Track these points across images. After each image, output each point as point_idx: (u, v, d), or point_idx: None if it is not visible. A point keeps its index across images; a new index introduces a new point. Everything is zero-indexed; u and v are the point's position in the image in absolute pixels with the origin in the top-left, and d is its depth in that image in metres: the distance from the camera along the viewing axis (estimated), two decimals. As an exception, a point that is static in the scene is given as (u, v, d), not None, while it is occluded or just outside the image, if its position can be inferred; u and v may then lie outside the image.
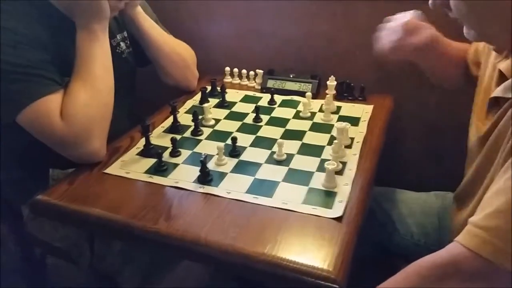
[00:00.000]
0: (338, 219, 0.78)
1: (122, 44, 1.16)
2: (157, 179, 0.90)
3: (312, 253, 0.71)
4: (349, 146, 0.99)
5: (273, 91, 1.23)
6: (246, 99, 1.26)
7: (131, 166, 0.95)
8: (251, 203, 0.83)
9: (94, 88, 0.93)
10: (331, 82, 1.16)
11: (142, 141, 1.01)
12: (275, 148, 0.98)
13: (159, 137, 1.07)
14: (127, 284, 1.09)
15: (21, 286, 1.40)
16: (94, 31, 0.95)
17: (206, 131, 1.08)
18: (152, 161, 0.96)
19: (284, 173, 0.91)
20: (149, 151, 0.98)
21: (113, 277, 1.11)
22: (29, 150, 1.03)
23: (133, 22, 1.12)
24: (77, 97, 0.92)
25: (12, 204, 1.19)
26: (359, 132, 1.05)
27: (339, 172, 0.90)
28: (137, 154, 0.99)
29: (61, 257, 1.19)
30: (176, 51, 1.22)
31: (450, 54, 1.00)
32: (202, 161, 0.88)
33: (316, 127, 1.09)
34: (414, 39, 0.95)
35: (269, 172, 0.92)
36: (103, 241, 1.04)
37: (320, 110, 1.17)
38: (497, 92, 0.78)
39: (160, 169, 0.93)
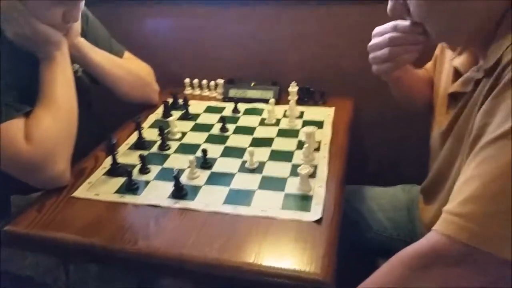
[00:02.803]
0: (318, 221, 0.79)
1: (76, 63, 1.12)
2: (129, 198, 0.88)
3: (298, 258, 0.72)
4: (317, 149, 1.02)
5: (236, 100, 1.24)
6: (209, 110, 1.26)
7: (100, 188, 0.91)
8: (231, 214, 0.82)
9: (57, 112, 0.92)
10: (293, 88, 1.18)
11: (108, 160, 0.99)
12: (246, 156, 0.99)
13: (125, 154, 1.04)
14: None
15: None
16: (54, 57, 0.96)
17: (174, 145, 1.07)
18: (121, 180, 0.93)
19: (259, 181, 0.92)
20: (117, 170, 0.95)
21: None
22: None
23: (78, 53, 1.07)
24: (41, 121, 0.91)
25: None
26: (325, 135, 1.08)
27: (312, 175, 0.92)
28: (104, 174, 0.96)
29: (37, 285, 1.12)
30: (131, 73, 1.19)
31: (417, 73, 1.01)
32: (175, 176, 0.86)
33: (283, 133, 1.11)
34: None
35: (243, 181, 0.92)
36: (78, 264, 0.99)
37: (284, 116, 1.19)
38: (454, 87, 0.82)
39: (131, 187, 0.90)
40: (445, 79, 0.90)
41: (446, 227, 0.63)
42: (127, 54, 1.27)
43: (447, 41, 0.80)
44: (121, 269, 0.91)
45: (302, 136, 1.06)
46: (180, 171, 0.94)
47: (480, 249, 0.59)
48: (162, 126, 1.05)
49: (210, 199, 0.86)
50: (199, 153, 1.00)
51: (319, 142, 1.04)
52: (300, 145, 1.04)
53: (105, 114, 1.26)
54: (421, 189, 0.97)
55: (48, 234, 0.79)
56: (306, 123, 1.14)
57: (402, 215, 1.07)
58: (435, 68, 0.99)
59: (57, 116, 0.92)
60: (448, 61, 0.89)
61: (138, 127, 1.06)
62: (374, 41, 0.87)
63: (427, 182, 0.94)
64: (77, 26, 1.05)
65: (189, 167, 0.94)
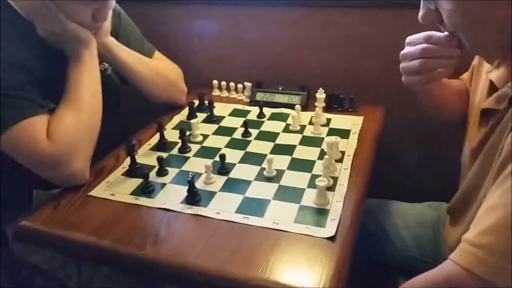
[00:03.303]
0: (331, 238, 0.75)
1: (105, 62, 1.13)
2: (143, 201, 0.87)
3: (305, 275, 0.68)
4: (340, 160, 0.98)
5: (262, 104, 1.21)
6: (234, 113, 1.24)
7: (117, 188, 0.92)
8: (241, 223, 0.80)
9: (80, 111, 0.93)
10: (320, 95, 1.15)
11: (128, 160, 0.99)
12: (265, 164, 0.96)
13: (146, 155, 1.04)
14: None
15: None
16: (81, 56, 0.97)
17: (194, 148, 1.06)
18: (138, 181, 0.93)
19: (275, 191, 0.89)
20: (135, 171, 0.95)
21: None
22: (12, 171, 1.01)
23: (107, 53, 1.07)
24: (63, 119, 0.92)
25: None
26: (349, 146, 1.03)
27: (331, 188, 0.88)
28: (122, 174, 0.96)
29: (48, 279, 1.15)
30: (159, 73, 1.19)
31: (451, 84, 0.95)
32: (189, 181, 0.85)
33: (306, 141, 1.08)
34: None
35: (259, 190, 0.89)
36: (91, 264, 1.01)
37: (310, 123, 1.15)
38: (488, 103, 0.77)
39: (147, 190, 0.90)
40: (480, 92, 0.84)
41: (464, 258, 0.58)
42: (157, 54, 1.27)
43: (480, 53, 0.74)
44: (128, 273, 0.91)
45: (325, 146, 1.02)
46: (197, 175, 0.93)
47: (496, 284, 0.54)
48: (183, 128, 1.04)
49: (223, 207, 0.85)
50: (218, 158, 0.98)
51: (343, 153, 1.00)
52: (322, 154, 1.00)
53: (133, 114, 1.28)
54: (448, 208, 0.91)
55: (61, 232, 0.80)
56: (331, 132, 1.10)
57: (427, 233, 1.01)
58: (471, 80, 0.92)
59: (80, 115, 0.93)
60: (485, 73, 0.82)
61: (160, 128, 1.06)
62: (406, 50, 0.82)
63: (454, 202, 0.88)
64: (107, 25, 1.06)
65: (205, 172, 0.93)
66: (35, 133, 0.88)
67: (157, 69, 1.20)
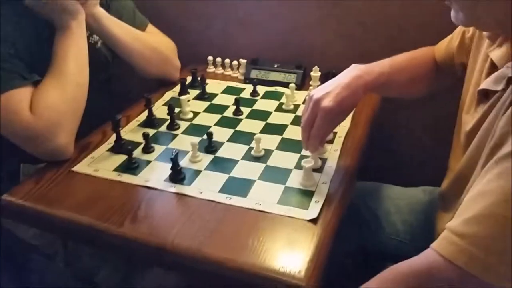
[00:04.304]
0: (313, 220, 0.73)
1: (94, 34, 1.10)
2: (126, 178, 0.86)
3: (284, 259, 0.67)
4: (330, 141, 0.95)
5: (255, 82, 1.18)
6: (228, 91, 1.21)
7: (100, 164, 0.90)
8: (224, 203, 0.78)
9: (65, 84, 0.91)
10: (315, 73, 1.11)
11: (114, 136, 0.97)
12: (254, 143, 0.94)
13: (133, 131, 1.02)
14: (105, 284, 1.06)
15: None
16: (69, 27, 0.94)
17: (183, 125, 1.04)
18: (123, 157, 0.91)
19: (261, 171, 0.87)
20: (120, 147, 0.94)
21: (90, 276, 1.07)
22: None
23: (96, 24, 1.04)
24: (48, 91, 0.90)
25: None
26: (341, 126, 1.00)
27: (318, 170, 0.85)
28: (107, 150, 0.94)
29: (38, 254, 1.15)
30: (150, 47, 1.15)
31: (404, 78, 0.90)
32: (172, 159, 0.83)
33: (299, 121, 1.03)
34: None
35: (245, 170, 0.87)
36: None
37: (304, 102, 1.12)
38: (486, 83, 0.72)
39: (131, 166, 0.88)
40: (477, 71, 0.79)
41: (446, 247, 0.56)
42: (150, 27, 1.24)
43: (478, 26, 0.70)
44: (107, 251, 0.90)
45: (317, 126, 0.99)
46: (184, 153, 0.91)
47: (477, 277, 0.51)
48: (171, 105, 1.01)
49: (206, 186, 0.83)
50: (206, 136, 0.95)
51: (334, 134, 0.97)
52: (313, 135, 0.97)
53: (125, 90, 1.25)
54: (439, 194, 0.88)
55: (39, 208, 0.79)
56: (325, 112, 1.06)
57: (418, 219, 0.98)
58: (465, 51, 0.86)
59: (65, 88, 0.91)
60: (484, 51, 0.77)
61: (148, 104, 1.03)
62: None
63: (446, 187, 0.85)
64: None
65: (192, 150, 0.90)
66: (18, 105, 0.86)
67: (149, 43, 1.16)
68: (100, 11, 1.05)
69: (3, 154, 1.04)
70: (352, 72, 0.84)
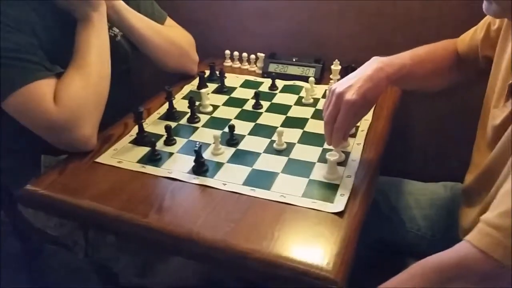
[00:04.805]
0: (339, 214, 0.73)
1: (115, 27, 1.11)
2: (149, 169, 0.86)
3: (310, 251, 0.66)
4: (353, 135, 0.94)
5: (274, 76, 1.18)
6: (246, 84, 1.21)
7: (124, 155, 0.90)
8: (248, 195, 0.78)
9: (88, 76, 0.91)
10: (336, 67, 1.11)
11: (135, 128, 0.97)
12: (275, 136, 0.93)
13: (154, 124, 1.02)
14: (123, 274, 1.06)
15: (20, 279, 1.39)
16: (91, 19, 0.94)
17: (203, 118, 1.04)
18: (145, 149, 0.91)
19: (284, 164, 0.86)
20: (143, 139, 0.94)
21: (109, 266, 1.08)
22: (20, 136, 1.00)
23: (116, 16, 1.04)
24: (71, 83, 0.90)
25: (6, 190, 1.16)
26: (364, 120, 0.99)
27: (342, 163, 0.85)
28: (130, 142, 0.95)
29: (57, 245, 1.16)
30: (169, 40, 1.16)
31: (425, 71, 0.90)
32: (196, 151, 0.83)
33: (319, 115, 1.04)
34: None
35: (267, 163, 0.87)
36: (97, 231, 1.00)
37: (324, 96, 1.11)
38: None
39: (154, 158, 0.88)
40: (506, 65, 0.78)
41: (481, 239, 0.55)
42: (169, 20, 1.24)
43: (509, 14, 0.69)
44: (132, 241, 0.90)
45: (338, 120, 0.99)
46: (205, 146, 0.91)
47: None
48: (192, 98, 1.01)
49: (230, 178, 0.82)
50: (227, 129, 0.95)
51: (356, 128, 0.96)
52: (335, 129, 0.97)
53: (142, 83, 1.25)
54: (463, 189, 0.88)
55: (65, 198, 0.79)
56: (345, 106, 1.06)
57: (439, 214, 0.98)
58: (491, 42, 0.85)
59: (88, 80, 0.91)
60: None
61: (169, 97, 1.03)
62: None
63: (471, 182, 0.84)
64: None
65: (214, 142, 0.90)
66: (43, 96, 0.87)
67: (169, 37, 1.16)
68: (121, 3, 1.05)
69: (24, 145, 1.05)
70: (373, 65, 0.83)
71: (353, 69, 1.17)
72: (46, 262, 1.37)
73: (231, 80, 1.21)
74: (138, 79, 1.28)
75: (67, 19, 0.94)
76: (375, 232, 1.02)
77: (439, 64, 0.92)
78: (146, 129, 0.96)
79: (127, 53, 1.17)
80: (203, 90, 1.08)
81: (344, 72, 1.15)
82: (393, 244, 1.02)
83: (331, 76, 1.10)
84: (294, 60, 1.24)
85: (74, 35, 0.94)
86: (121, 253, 1.02)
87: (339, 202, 0.75)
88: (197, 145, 0.84)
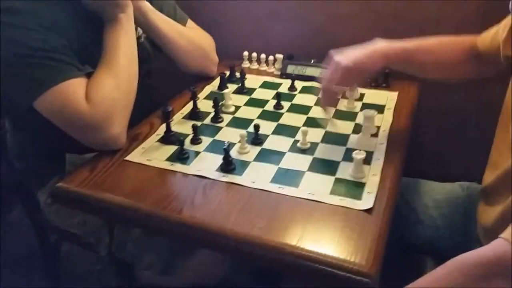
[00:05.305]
0: (368, 211, 0.75)
1: (139, 28, 1.13)
2: (179, 167, 0.88)
3: (343, 246, 0.68)
4: (375, 135, 0.96)
5: (294, 77, 1.20)
6: (265, 85, 1.23)
7: (152, 154, 0.92)
8: (277, 193, 0.80)
9: (118, 76, 0.93)
10: (355, 68, 1.12)
11: (162, 127, 0.99)
12: (298, 136, 0.96)
13: (179, 123, 1.04)
14: (146, 271, 1.08)
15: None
16: (119, 20, 0.96)
17: (226, 118, 1.06)
18: (173, 148, 0.94)
19: (309, 163, 0.88)
20: (170, 138, 0.96)
21: (132, 264, 1.10)
22: (45, 136, 1.02)
23: (142, 17, 1.07)
24: (102, 83, 0.92)
25: (28, 190, 1.18)
26: (384, 121, 1.02)
27: (366, 162, 0.87)
28: (157, 141, 0.97)
29: (78, 243, 1.18)
30: (192, 42, 1.18)
31: (429, 60, 0.95)
32: (225, 149, 0.85)
33: (340, 115, 1.06)
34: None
35: (293, 161, 0.89)
36: (123, 228, 1.02)
37: (343, 97, 1.13)
38: None
39: (182, 156, 0.90)
40: None
41: None
42: (190, 22, 1.26)
43: None
44: (164, 237, 0.92)
45: (359, 120, 1.01)
46: (231, 145, 0.93)
47: None
48: (216, 98, 1.04)
49: (257, 176, 0.85)
50: (251, 129, 0.98)
51: (378, 128, 0.99)
52: (356, 129, 0.99)
53: (161, 85, 1.27)
54: (483, 188, 0.89)
55: (97, 195, 0.81)
56: (365, 107, 1.08)
57: (458, 213, 0.99)
58: (509, 45, 0.86)
59: (118, 79, 0.93)
60: None
61: (194, 97, 1.06)
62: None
63: (491, 181, 0.86)
64: None
65: (239, 141, 0.92)
66: (75, 95, 0.89)
67: (191, 38, 1.18)
68: (147, 5, 1.08)
69: (48, 145, 1.07)
70: (374, 44, 0.93)
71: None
72: (62, 264, 1.39)
73: (250, 81, 1.23)
74: (156, 80, 1.30)
75: (95, 20, 0.96)
76: (393, 231, 1.04)
77: (446, 57, 0.96)
78: (171, 128, 0.98)
79: (149, 54, 1.20)
80: (226, 91, 1.10)
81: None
82: (412, 244, 1.03)
83: (350, 78, 1.12)
84: (312, 61, 1.26)
85: (102, 36, 0.97)
86: (145, 251, 1.03)
87: (367, 200, 0.77)
88: (226, 144, 0.86)
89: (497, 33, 0.92)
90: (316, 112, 1.08)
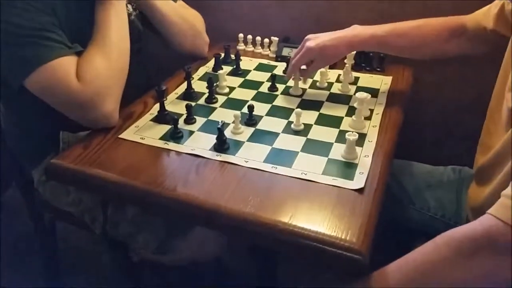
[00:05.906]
0: (360, 190, 0.76)
1: (129, 6, 1.12)
2: (173, 146, 0.88)
3: (334, 224, 0.70)
4: (368, 118, 0.97)
5: (288, 60, 1.19)
6: (260, 68, 1.23)
7: (146, 132, 0.93)
8: (270, 172, 0.81)
9: (110, 53, 0.93)
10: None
11: (156, 106, 0.99)
12: (292, 118, 0.96)
13: (173, 103, 1.04)
14: (141, 250, 1.09)
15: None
16: None
17: (221, 99, 1.06)
18: (166, 127, 0.94)
19: (302, 143, 0.89)
20: (164, 117, 0.96)
21: (126, 243, 1.10)
22: (38, 115, 1.01)
23: None
24: (94, 61, 0.91)
25: (22, 169, 1.18)
26: (378, 104, 1.03)
27: (359, 144, 0.88)
28: (151, 120, 0.97)
29: (72, 222, 1.18)
30: (184, 19, 1.17)
31: (403, 42, 1.02)
32: (219, 129, 0.86)
33: (334, 98, 1.07)
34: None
35: (287, 142, 0.90)
36: (117, 207, 1.03)
37: (337, 81, 1.14)
38: None
39: (176, 135, 0.91)
40: None
41: (504, 212, 0.58)
42: (180, 1, 1.25)
43: None
44: (157, 214, 0.93)
45: (353, 103, 1.02)
46: (225, 125, 0.93)
47: None
48: (211, 78, 1.03)
49: (251, 156, 0.85)
50: (245, 110, 0.98)
51: (371, 111, 0.99)
52: (350, 111, 1.00)
53: (151, 62, 1.26)
54: (476, 169, 0.91)
55: (92, 171, 0.81)
56: (359, 90, 1.09)
57: (449, 195, 1.01)
58: (501, 21, 0.89)
59: (109, 56, 0.93)
60: None
61: (188, 77, 1.05)
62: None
63: (484, 162, 0.87)
64: None
65: (233, 122, 0.93)
66: (66, 73, 0.88)
67: (184, 16, 1.18)
68: None
69: (42, 124, 1.06)
70: (346, 31, 1.02)
71: (366, 54, 1.20)
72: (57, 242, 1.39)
73: (245, 63, 1.23)
74: (146, 59, 1.29)
75: (84, 2, 0.95)
76: (385, 213, 1.05)
77: (422, 38, 1.02)
78: (165, 108, 0.98)
79: (140, 32, 1.19)
80: (220, 72, 1.10)
81: (357, 57, 1.18)
82: (403, 225, 1.05)
83: (345, 61, 1.12)
84: (307, 44, 1.26)
85: (92, 14, 0.95)
86: (140, 230, 1.04)
87: (359, 180, 0.78)
88: (220, 123, 0.86)
89: (489, 10, 0.93)
90: (311, 95, 1.08)
